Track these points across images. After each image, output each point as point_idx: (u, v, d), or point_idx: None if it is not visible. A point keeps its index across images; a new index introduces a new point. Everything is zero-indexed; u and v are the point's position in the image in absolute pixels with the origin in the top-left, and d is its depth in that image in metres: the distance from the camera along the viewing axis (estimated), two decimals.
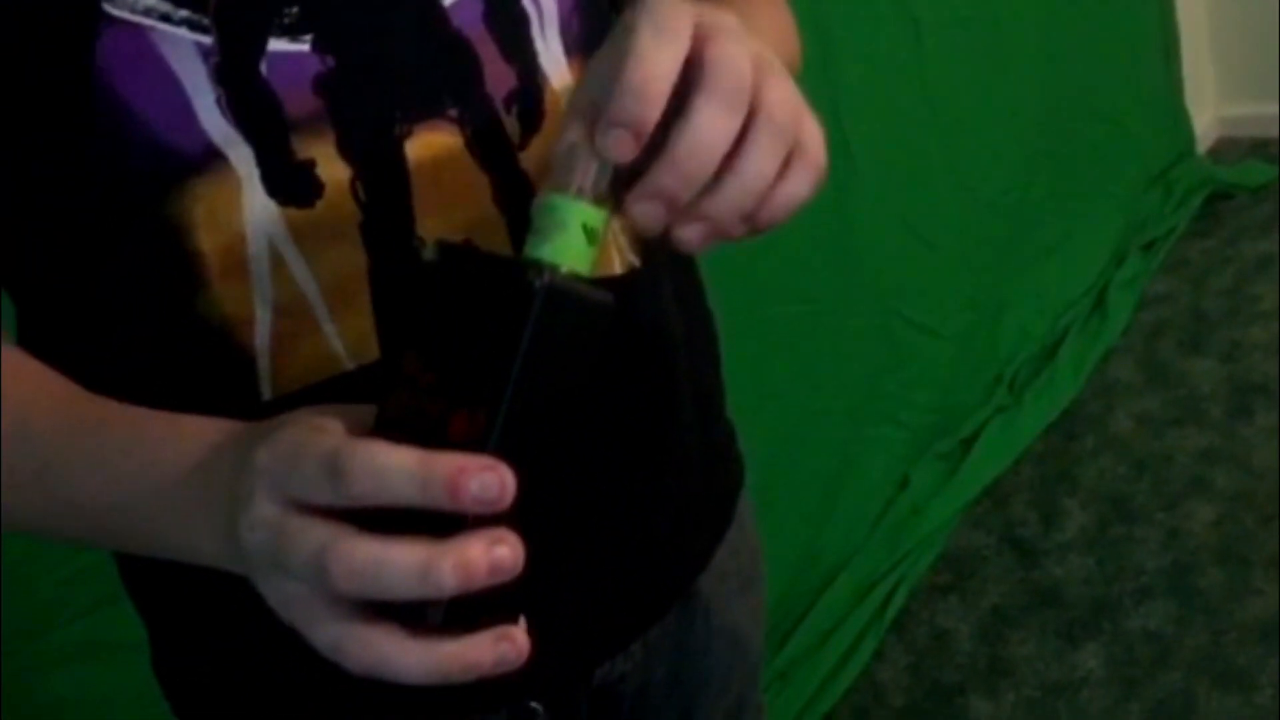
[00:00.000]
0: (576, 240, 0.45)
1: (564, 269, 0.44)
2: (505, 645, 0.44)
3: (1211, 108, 3.21)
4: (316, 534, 0.42)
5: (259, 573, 0.45)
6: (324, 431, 0.44)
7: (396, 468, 0.41)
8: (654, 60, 0.44)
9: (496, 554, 0.41)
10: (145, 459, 0.52)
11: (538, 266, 0.44)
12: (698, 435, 0.73)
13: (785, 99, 0.47)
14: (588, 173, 0.45)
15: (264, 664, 0.65)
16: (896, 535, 2.04)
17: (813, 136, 0.49)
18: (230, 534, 0.47)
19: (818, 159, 0.49)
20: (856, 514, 2.04)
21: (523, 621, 0.45)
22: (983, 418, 2.28)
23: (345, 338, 0.58)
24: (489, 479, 0.41)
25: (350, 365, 0.58)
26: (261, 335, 0.57)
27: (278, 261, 0.56)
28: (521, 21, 0.60)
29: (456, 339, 0.44)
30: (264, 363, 0.58)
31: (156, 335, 0.59)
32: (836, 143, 1.99)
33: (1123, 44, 2.78)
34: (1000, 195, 2.41)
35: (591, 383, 0.46)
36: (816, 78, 1.94)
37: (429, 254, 0.46)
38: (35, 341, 0.61)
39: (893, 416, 2.13)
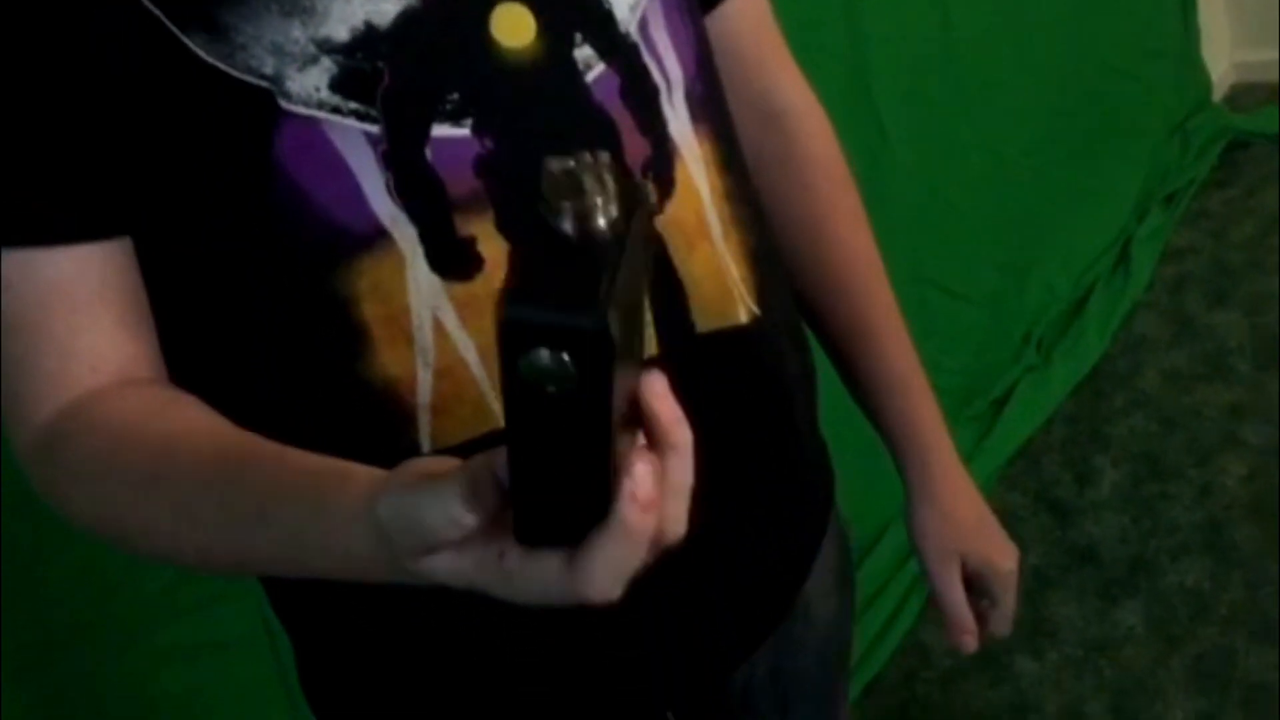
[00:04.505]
0: None
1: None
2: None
3: (1226, 55, 3.22)
4: (543, 573, 0.43)
5: None
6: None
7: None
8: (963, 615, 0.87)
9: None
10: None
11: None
12: (808, 459, 0.77)
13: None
14: None
15: (411, 679, 0.70)
16: None
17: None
18: None
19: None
20: (893, 480, 2.07)
21: None
22: (1013, 378, 2.32)
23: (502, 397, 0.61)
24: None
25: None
26: (423, 395, 0.61)
27: (439, 329, 0.60)
28: (653, 94, 0.64)
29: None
30: (424, 419, 0.62)
31: (319, 394, 0.63)
32: (867, 115, 2.01)
33: None
34: (1024, 156, 2.43)
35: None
36: (846, 52, 1.96)
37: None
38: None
39: None
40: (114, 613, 1.12)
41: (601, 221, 0.38)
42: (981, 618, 0.89)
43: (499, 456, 0.42)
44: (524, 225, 0.38)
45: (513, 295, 0.37)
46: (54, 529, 1.01)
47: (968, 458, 2.21)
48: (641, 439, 0.43)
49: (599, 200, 0.38)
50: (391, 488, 0.46)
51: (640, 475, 0.41)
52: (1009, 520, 2.19)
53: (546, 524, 0.43)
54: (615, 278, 0.37)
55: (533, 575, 0.43)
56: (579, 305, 0.37)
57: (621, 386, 0.39)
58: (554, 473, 0.40)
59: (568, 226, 0.38)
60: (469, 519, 0.42)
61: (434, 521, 0.43)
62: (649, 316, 0.63)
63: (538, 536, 0.43)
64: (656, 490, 0.41)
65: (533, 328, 0.37)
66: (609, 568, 0.42)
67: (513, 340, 0.37)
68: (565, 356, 0.37)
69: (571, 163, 0.38)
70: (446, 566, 0.44)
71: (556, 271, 0.37)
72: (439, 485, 0.43)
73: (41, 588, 1.08)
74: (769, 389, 0.72)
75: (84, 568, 1.08)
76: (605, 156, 0.38)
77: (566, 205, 0.38)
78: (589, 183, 0.38)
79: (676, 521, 0.43)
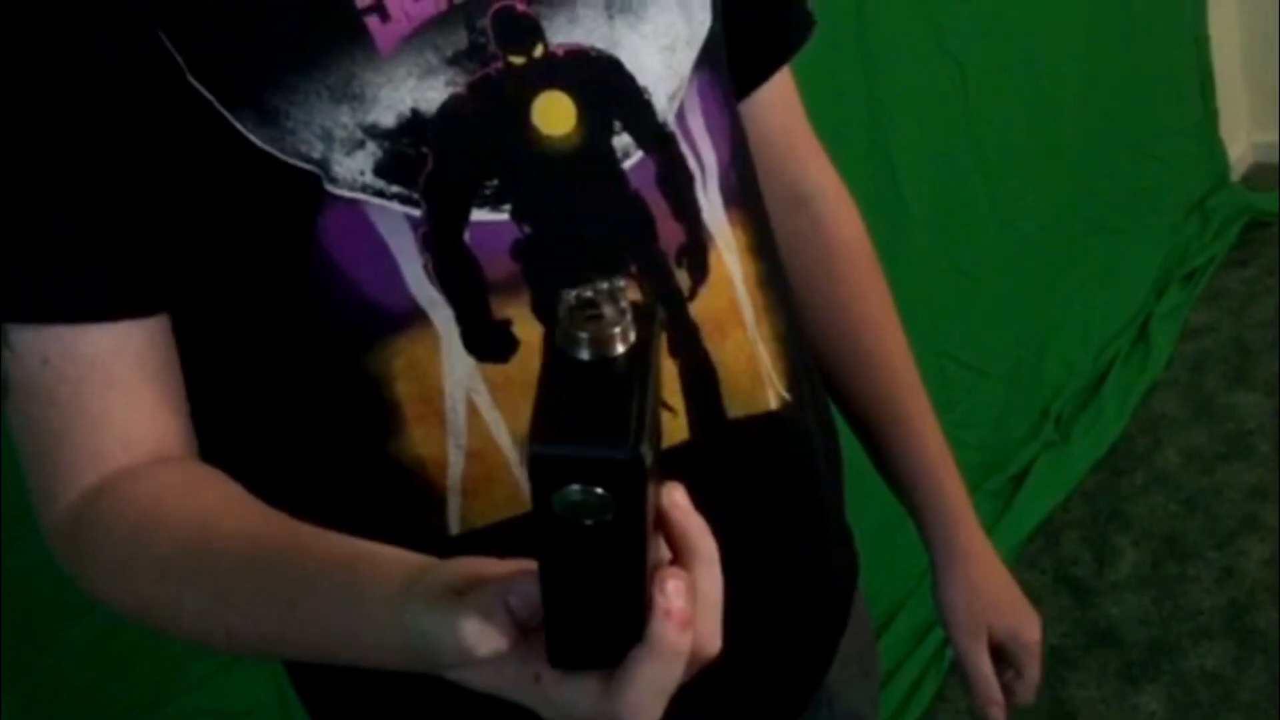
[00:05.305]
0: None
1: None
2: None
3: (1244, 135, 3.24)
4: (581, 697, 0.43)
5: None
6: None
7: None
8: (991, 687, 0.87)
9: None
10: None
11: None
12: (833, 546, 0.77)
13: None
14: None
15: None
16: None
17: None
18: None
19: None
20: (911, 555, 2.05)
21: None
22: (1031, 454, 2.31)
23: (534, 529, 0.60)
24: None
25: None
26: (454, 476, 0.61)
27: (472, 411, 0.60)
28: (687, 181, 0.64)
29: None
30: (454, 500, 0.62)
31: (350, 470, 0.63)
32: (888, 187, 2.03)
33: (1159, 75, 2.81)
34: (1043, 232, 2.44)
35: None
36: (867, 127, 1.98)
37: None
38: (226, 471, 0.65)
39: None
40: (127, 681, 1.11)
41: (620, 348, 0.38)
42: (1007, 688, 0.90)
43: (512, 586, 0.42)
44: (542, 358, 0.39)
45: (541, 432, 0.37)
46: (66, 596, 1.01)
47: (986, 534, 2.20)
48: (665, 549, 0.43)
49: (617, 329, 0.38)
50: (416, 598, 0.45)
51: (673, 592, 0.40)
52: (1027, 598, 2.17)
53: (581, 647, 0.42)
54: (643, 404, 0.37)
55: (571, 699, 0.42)
56: (610, 438, 0.37)
57: (650, 503, 0.39)
58: (589, 597, 0.40)
59: (586, 355, 0.38)
60: (482, 652, 0.42)
61: (449, 653, 0.43)
62: (681, 403, 0.64)
63: (573, 660, 0.43)
64: (690, 606, 0.41)
65: (566, 463, 0.37)
66: (648, 689, 0.41)
67: (545, 477, 0.37)
68: (600, 489, 0.37)
69: (589, 292, 0.38)
70: (480, 682, 0.44)
71: (581, 403, 0.37)
72: (453, 613, 0.42)
73: (52, 655, 1.08)
74: (797, 474, 0.71)
75: (96, 636, 1.08)
76: (620, 282, 0.38)
77: (583, 335, 0.38)
78: (607, 310, 0.38)
79: (711, 636, 0.43)
